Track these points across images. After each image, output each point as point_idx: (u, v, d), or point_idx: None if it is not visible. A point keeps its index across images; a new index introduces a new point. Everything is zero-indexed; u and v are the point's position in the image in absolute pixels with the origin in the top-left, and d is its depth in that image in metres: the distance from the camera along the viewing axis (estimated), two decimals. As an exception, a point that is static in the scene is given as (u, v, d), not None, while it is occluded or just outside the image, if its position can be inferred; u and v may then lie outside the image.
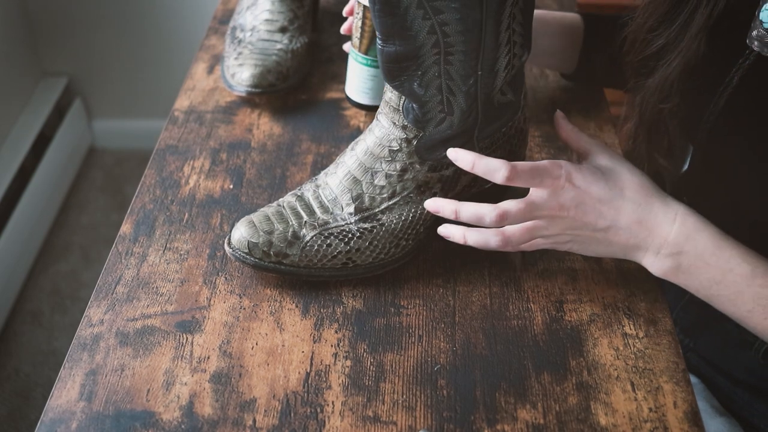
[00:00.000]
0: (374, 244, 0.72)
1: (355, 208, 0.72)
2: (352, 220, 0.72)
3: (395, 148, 0.71)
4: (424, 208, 0.72)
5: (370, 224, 0.72)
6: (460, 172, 0.73)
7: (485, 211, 0.67)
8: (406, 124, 0.70)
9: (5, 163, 1.86)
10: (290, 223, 0.72)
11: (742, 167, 0.72)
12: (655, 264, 0.67)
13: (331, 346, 0.69)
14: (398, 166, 0.71)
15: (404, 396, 0.65)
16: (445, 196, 0.73)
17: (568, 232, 0.68)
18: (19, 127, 1.95)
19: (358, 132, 0.93)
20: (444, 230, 0.71)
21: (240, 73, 0.94)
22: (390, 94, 0.70)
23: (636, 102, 0.80)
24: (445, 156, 0.71)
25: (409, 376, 0.66)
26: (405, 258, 0.74)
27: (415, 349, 0.69)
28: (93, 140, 2.21)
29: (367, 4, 0.84)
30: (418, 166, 0.71)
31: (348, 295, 0.73)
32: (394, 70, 0.67)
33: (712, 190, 0.77)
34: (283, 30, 0.98)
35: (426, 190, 0.72)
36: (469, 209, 0.68)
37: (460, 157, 0.69)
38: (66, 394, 0.65)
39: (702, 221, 0.66)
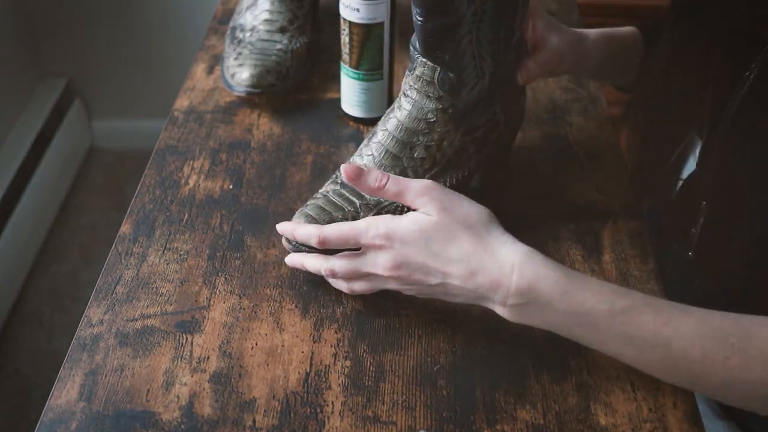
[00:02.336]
0: None
1: None
2: None
3: (432, 120, 0.73)
4: (464, 171, 0.76)
5: None
6: (487, 131, 0.77)
7: (318, 265, 0.69)
8: (441, 94, 0.73)
9: (5, 163, 1.86)
10: (346, 209, 0.73)
11: (757, 169, 0.71)
12: (505, 314, 0.63)
13: (331, 346, 0.69)
14: (436, 137, 0.74)
15: (404, 396, 0.65)
16: (478, 155, 0.77)
17: (406, 287, 0.67)
18: (19, 127, 1.95)
19: (358, 132, 0.93)
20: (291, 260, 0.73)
21: (240, 73, 0.94)
22: (422, 69, 0.72)
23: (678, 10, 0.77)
24: (478, 117, 0.75)
25: (409, 376, 0.66)
26: None
27: (415, 349, 0.69)
28: (93, 140, 2.21)
29: (352, 19, 0.85)
30: (453, 133, 0.74)
31: (348, 295, 0.73)
32: (434, 44, 0.70)
33: (729, 191, 0.76)
34: (283, 30, 0.98)
35: (462, 153, 0.75)
36: (310, 263, 0.70)
37: (282, 229, 0.72)
38: (66, 394, 0.65)
39: (543, 267, 0.61)
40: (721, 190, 0.74)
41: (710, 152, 0.77)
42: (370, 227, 0.65)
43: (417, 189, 0.65)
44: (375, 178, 0.66)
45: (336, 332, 0.70)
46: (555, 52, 0.80)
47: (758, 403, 0.60)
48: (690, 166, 0.81)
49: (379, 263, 0.65)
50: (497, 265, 0.62)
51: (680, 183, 0.82)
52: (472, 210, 0.64)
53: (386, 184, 0.66)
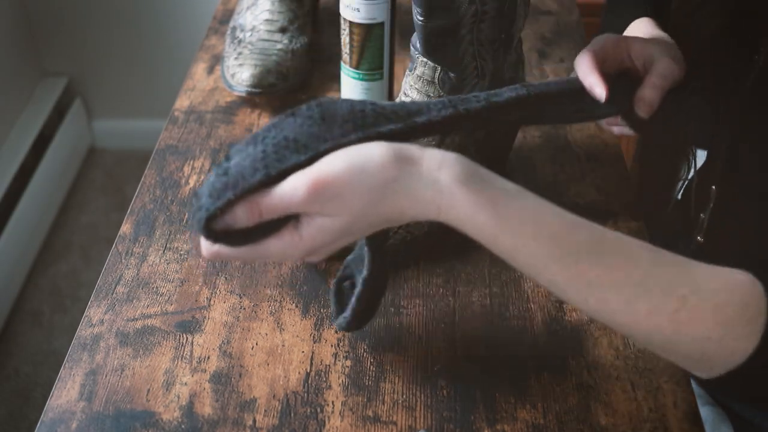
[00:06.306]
0: None
1: None
2: None
3: None
4: None
5: None
6: (489, 132, 0.77)
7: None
8: (441, 94, 0.73)
9: (5, 163, 1.86)
10: None
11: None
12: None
13: (331, 346, 0.69)
14: (437, 137, 0.74)
15: (404, 396, 0.65)
16: (478, 155, 0.75)
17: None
18: (19, 127, 1.95)
19: (358, 132, 0.93)
20: None
21: (240, 73, 0.94)
22: (423, 68, 0.73)
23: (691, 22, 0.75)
24: None
25: (409, 376, 0.66)
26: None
27: (415, 349, 0.69)
28: (93, 140, 2.21)
29: (353, 19, 0.85)
30: (453, 133, 0.75)
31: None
32: (436, 44, 0.70)
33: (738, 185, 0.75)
34: (283, 30, 0.98)
35: (463, 153, 0.75)
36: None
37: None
38: (66, 394, 0.65)
39: (469, 207, 0.53)
40: (729, 174, 0.74)
41: (720, 137, 0.77)
42: (277, 258, 0.56)
43: (300, 199, 0.52)
44: (244, 217, 0.53)
45: (336, 332, 0.70)
46: (668, 66, 0.71)
47: (694, 360, 0.56)
48: (701, 152, 0.81)
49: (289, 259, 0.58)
50: (422, 213, 0.54)
51: (691, 170, 0.82)
52: (369, 177, 0.53)
53: (262, 213, 0.53)
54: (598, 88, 0.67)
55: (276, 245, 0.55)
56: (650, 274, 0.55)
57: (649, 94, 0.69)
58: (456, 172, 0.54)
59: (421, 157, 0.54)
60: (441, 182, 0.53)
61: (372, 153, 0.53)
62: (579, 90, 0.68)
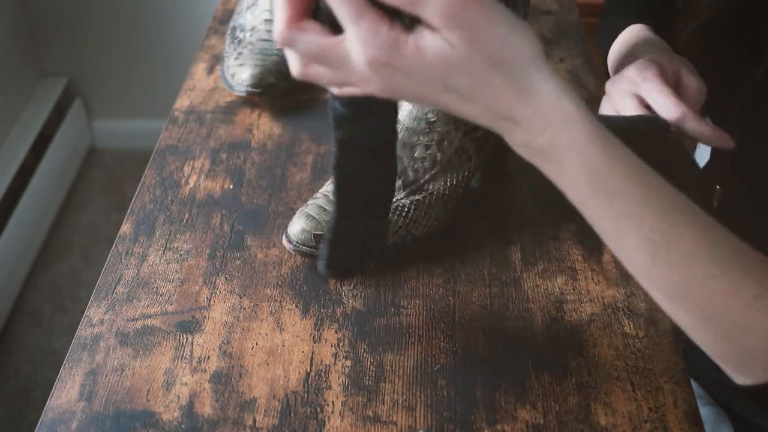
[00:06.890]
0: (429, 213, 0.75)
1: (402, 183, 0.74)
2: (401, 195, 0.74)
3: (432, 119, 0.74)
4: (465, 171, 0.76)
5: (421, 195, 0.74)
6: (488, 131, 0.76)
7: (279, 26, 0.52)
8: None
9: (5, 163, 1.86)
10: None
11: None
12: (517, 149, 0.55)
13: (331, 346, 0.69)
14: (436, 137, 0.74)
15: (404, 396, 0.65)
16: (478, 155, 0.76)
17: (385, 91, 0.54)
18: (19, 127, 1.95)
19: (358, 132, 0.93)
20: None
21: (240, 73, 0.94)
22: None
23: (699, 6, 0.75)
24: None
25: (409, 376, 0.66)
26: (450, 221, 0.77)
27: (415, 349, 0.69)
28: (93, 140, 2.21)
29: None
30: (454, 133, 0.74)
31: (348, 295, 0.73)
32: None
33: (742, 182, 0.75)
34: (283, 30, 0.98)
35: (462, 153, 0.75)
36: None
37: None
38: (66, 394, 0.65)
39: (583, 139, 0.50)
40: (735, 175, 0.74)
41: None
42: (367, 42, 0.48)
43: (442, 3, 0.46)
44: None
45: (336, 332, 0.70)
46: (699, 88, 0.71)
47: (752, 358, 0.53)
48: (704, 151, 0.81)
49: (363, 80, 0.52)
50: (528, 119, 0.50)
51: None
52: (512, 41, 0.48)
53: None
54: (726, 143, 0.66)
55: (377, 30, 0.47)
56: (736, 252, 0.53)
57: (698, 128, 0.67)
58: (578, 100, 0.50)
59: (554, 71, 0.50)
60: (564, 100, 0.49)
61: (525, 26, 0.48)
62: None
